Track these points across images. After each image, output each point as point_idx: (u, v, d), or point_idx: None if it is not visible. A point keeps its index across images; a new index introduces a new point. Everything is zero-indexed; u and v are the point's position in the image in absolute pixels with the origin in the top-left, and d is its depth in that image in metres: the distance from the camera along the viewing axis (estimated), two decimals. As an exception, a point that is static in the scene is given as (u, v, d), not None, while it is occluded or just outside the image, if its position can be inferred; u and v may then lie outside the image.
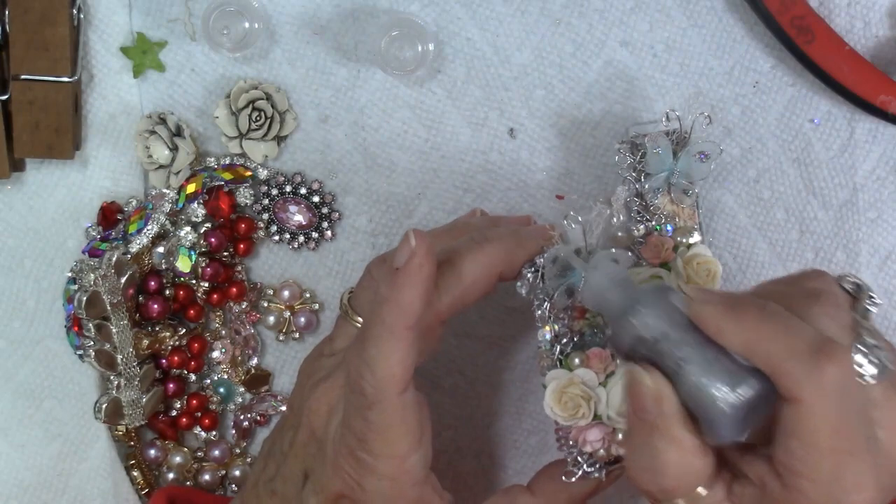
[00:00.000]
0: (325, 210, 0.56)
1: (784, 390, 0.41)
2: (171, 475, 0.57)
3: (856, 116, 0.54)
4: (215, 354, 0.57)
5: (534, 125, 0.55)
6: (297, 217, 0.55)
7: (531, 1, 0.54)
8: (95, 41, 0.54)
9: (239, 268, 0.56)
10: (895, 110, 0.52)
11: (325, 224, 0.56)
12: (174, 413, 0.57)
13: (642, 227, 0.52)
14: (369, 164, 0.56)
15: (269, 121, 0.54)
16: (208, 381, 0.57)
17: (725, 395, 0.41)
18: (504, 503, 0.49)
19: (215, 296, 0.55)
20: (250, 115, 0.54)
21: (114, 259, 0.53)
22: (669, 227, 0.52)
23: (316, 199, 0.55)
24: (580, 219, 0.48)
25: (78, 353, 0.55)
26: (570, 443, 0.49)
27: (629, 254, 0.49)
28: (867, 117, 0.53)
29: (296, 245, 0.56)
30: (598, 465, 0.49)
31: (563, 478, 0.49)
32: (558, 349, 0.49)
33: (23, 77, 0.53)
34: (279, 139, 0.55)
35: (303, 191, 0.55)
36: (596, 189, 0.55)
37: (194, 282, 0.55)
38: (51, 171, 0.56)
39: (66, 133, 0.54)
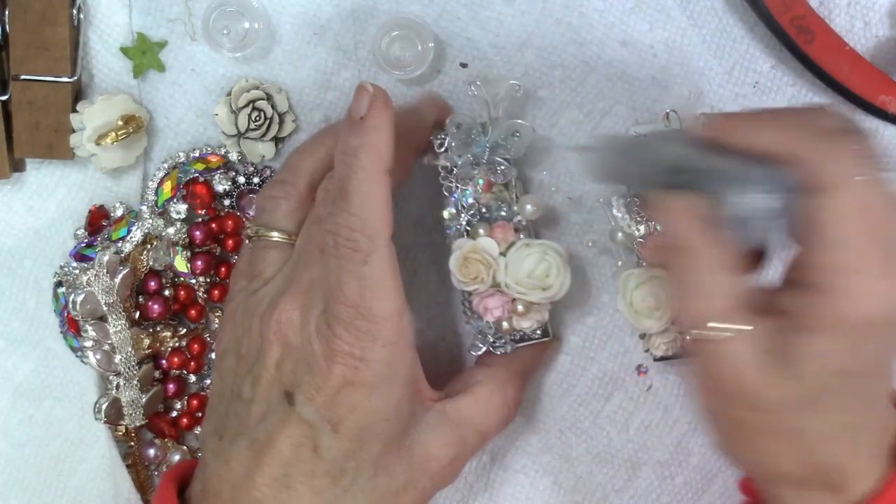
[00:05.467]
0: None
1: (808, 174, 0.41)
2: (170, 475, 0.57)
3: (856, 116, 0.54)
4: (214, 355, 0.57)
5: (534, 126, 0.55)
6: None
7: (532, 1, 0.54)
8: (95, 41, 0.55)
9: (239, 265, 0.56)
10: (895, 110, 0.52)
11: None
12: (175, 413, 0.57)
13: (642, 227, 0.53)
14: (369, 164, 0.56)
15: (268, 121, 0.54)
16: (208, 381, 0.57)
17: (741, 182, 0.42)
18: (463, 381, 0.51)
19: (216, 292, 0.55)
20: (250, 115, 0.54)
21: (105, 260, 0.53)
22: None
23: None
24: (484, 89, 0.52)
25: (77, 354, 0.55)
26: (475, 314, 0.52)
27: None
28: (867, 117, 0.53)
29: None
30: (504, 339, 0.53)
31: (471, 352, 0.53)
32: (465, 220, 0.52)
33: (23, 77, 0.53)
34: (277, 140, 0.55)
35: None
36: (596, 189, 0.55)
37: (194, 281, 0.55)
38: (51, 171, 0.56)
39: (66, 133, 0.54)
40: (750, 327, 0.43)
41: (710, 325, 0.43)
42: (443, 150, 0.52)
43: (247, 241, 0.50)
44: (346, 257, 0.44)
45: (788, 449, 0.44)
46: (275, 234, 0.49)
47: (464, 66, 0.54)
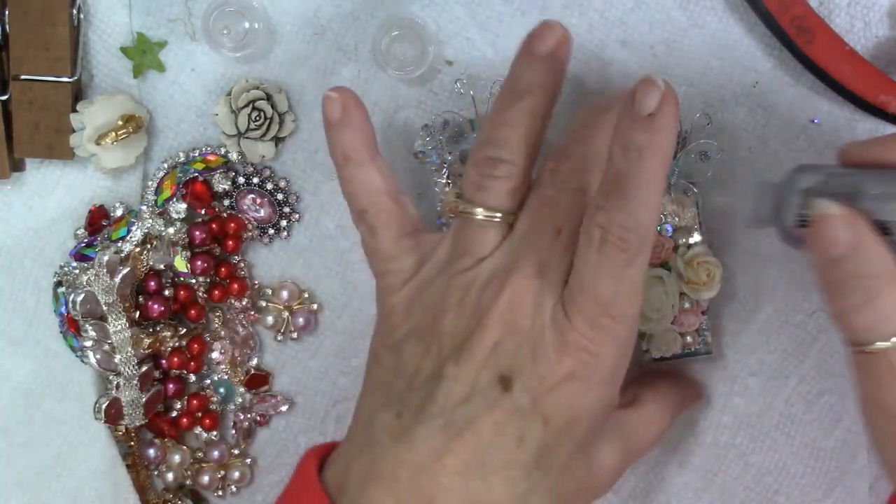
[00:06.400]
0: (286, 209, 0.56)
1: None
2: (170, 475, 0.57)
3: (856, 116, 0.53)
4: (214, 355, 0.57)
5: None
6: (259, 211, 0.56)
7: (531, 1, 0.54)
8: (95, 41, 0.55)
9: (241, 264, 0.56)
10: (895, 110, 0.52)
11: (284, 223, 0.56)
12: (175, 413, 0.57)
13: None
14: (369, 165, 0.56)
15: (268, 121, 0.54)
16: (208, 381, 0.57)
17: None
18: (631, 394, 0.50)
19: (216, 292, 0.55)
20: (250, 115, 0.54)
21: (105, 259, 0.53)
22: (669, 227, 0.52)
23: (280, 196, 0.56)
24: (472, 91, 0.51)
25: (77, 354, 0.55)
26: None
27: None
28: (867, 117, 0.53)
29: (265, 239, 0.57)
30: None
31: None
32: None
33: (23, 77, 0.53)
34: (277, 140, 0.55)
35: (269, 186, 0.55)
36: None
37: (194, 281, 0.55)
38: (51, 171, 0.56)
39: (66, 133, 0.54)
40: None
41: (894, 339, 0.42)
42: (430, 147, 0.52)
43: (451, 217, 0.49)
44: (610, 255, 0.43)
45: None
46: (497, 214, 0.47)
47: (449, 63, 0.54)
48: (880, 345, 0.42)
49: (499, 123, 0.48)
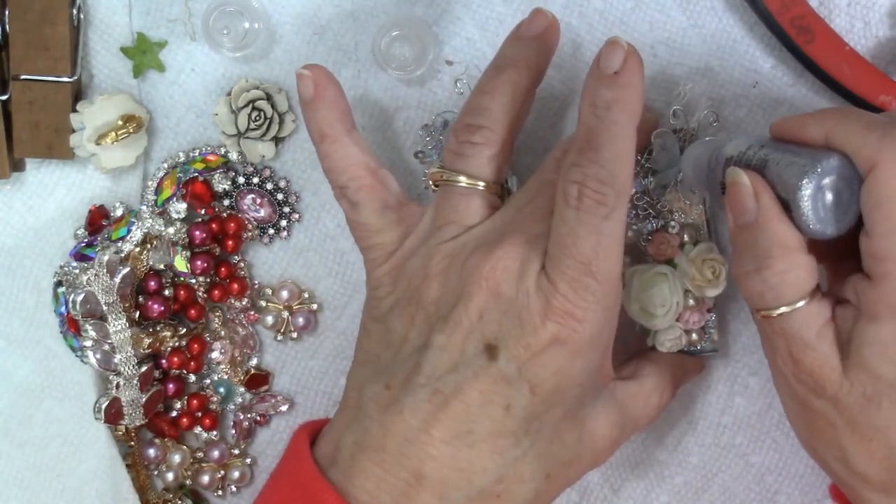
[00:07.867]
0: (286, 209, 0.56)
1: (863, 160, 0.42)
2: (170, 475, 0.57)
3: (856, 116, 0.54)
4: (214, 355, 0.57)
5: (534, 126, 0.55)
6: (259, 211, 0.56)
7: (531, 1, 0.54)
8: (95, 41, 0.55)
9: (241, 264, 0.56)
10: (895, 110, 0.52)
11: (284, 223, 0.56)
12: (175, 413, 0.57)
13: (649, 224, 0.53)
14: (369, 165, 0.56)
15: (268, 121, 0.54)
16: (208, 381, 0.57)
17: (810, 168, 0.42)
18: (631, 368, 0.51)
19: (216, 292, 0.55)
20: (250, 115, 0.54)
21: (105, 259, 0.53)
22: (675, 225, 0.52)
23: (280, 196, 0.56)
24: (470, 86, 0.51)
25: (77, 354, 0.55)
26: None
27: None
28: (867, 117, 0.53)
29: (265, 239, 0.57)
30: None
31: None
32: None
33: (23, 77, 0.53)
34: (277, 140, 0.55)
35: (269, 186, 0.56)
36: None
37: (194, 281, 0.55)
38: (51, 171, 0.56)
39: (66, 133, 0.54)
40: (828, 308, 0.44)
41: (800, 304, 0.43)
42: (430, 147, 0.53)
43: (431, 187, 0.49)
44: (589, 210, 0.43)
45: (865, 448, 0.43)
46: (480, 183, 0.48)
47: (449, 63, 0.54)
48: (777, 311, 0.44)
49: (480, 93, 0.49)
